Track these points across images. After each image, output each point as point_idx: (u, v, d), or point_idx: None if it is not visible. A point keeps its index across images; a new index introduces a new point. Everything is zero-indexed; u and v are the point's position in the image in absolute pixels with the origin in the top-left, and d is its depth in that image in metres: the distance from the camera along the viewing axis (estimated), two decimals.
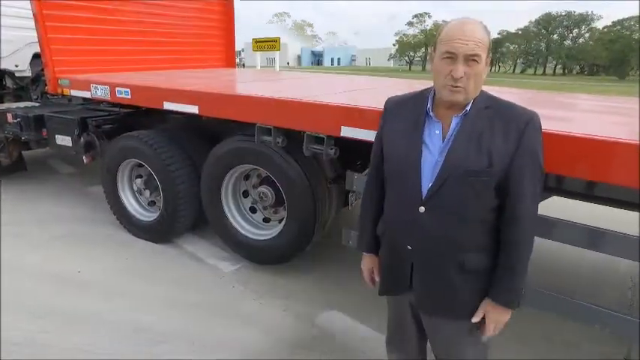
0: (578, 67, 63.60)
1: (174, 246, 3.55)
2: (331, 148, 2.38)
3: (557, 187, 2.12)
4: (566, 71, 63.84)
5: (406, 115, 1.37)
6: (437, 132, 1.29)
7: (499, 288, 1.33)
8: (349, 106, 2.26)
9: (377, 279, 1.63)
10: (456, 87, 1.20)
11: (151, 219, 3.57)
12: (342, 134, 2.26)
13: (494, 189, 1.25)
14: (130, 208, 3.69)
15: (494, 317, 1.35)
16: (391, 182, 1.42)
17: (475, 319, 1.36)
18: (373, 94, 3.18)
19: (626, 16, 54.29)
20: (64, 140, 4.11)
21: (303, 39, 69.09)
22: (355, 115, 2.21)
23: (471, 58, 1.18)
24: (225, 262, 3.30)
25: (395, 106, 1.45)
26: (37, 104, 4.97)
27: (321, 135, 2.37)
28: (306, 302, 2.81)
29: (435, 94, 1.32)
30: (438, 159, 1.27)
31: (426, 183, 1.29)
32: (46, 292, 2.86)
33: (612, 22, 55.96)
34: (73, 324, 2.54)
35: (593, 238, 1.76)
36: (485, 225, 1.30)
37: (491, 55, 1.27)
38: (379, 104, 2.27)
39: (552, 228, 1.79)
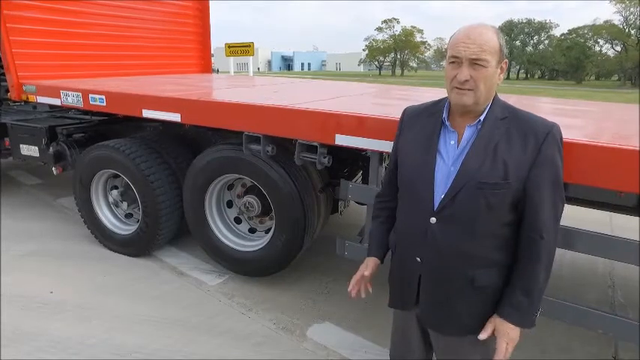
0: (539, 72, 66.72)
1: (155, 260, 3.39)
2: (324, 157, 2.33)
3: None
4: (528, 76, 66.82)
5: (422, 124, 1.34)
6: (452, 142, 1.27)
7: (515, 307, 1.26)
8: (344, 114, 2.21)
9: (367, 288, 1.53)
10: (463, 89, 1.19)
11: (129, 232, 3.40)
12: (336, 142, 2.21)
13: (509, 203, 1.21)
14: (105, 221, 3.49)
15: (507, 336, 1.27)
16: (404, 192, 1.39)
17: (483, 336, 1.30)
18: (363, 100, 3.16)
19: (581, 25, 57.59)
20: (29, 150, 3.88)
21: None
22: (350, 123, 2.16)
23: (475, 62, 1.16)
24: (209, 275, 3.17)
25: (412, 115, 1.42)
26: None
27: (313, 143, 2.32)
28: (297, 314, 2.74)
29: (450, 103, 1.29)
30: (452, 169, 1.25)
31: (439, 193, 1.26)
32: (15, 315, 2.64)
33: (568, 30, 59.19)
34: (47, 350, 2.35)
35: (568, 238, 1.81)
36: (498, 240, 1.26)
37: (506, 60, 1.23)
38: (372, 111, 2.28)
39: None
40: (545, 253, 1.23)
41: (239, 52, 11.10)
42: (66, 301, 2.81)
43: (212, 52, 6.21)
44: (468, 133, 1.25)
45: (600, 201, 2.48)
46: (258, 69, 73.04)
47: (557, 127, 1.23)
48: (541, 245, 1.22)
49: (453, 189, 1.23)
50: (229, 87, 4.26)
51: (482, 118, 1.23)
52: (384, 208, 1.53)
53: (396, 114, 1.95)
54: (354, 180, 2.97)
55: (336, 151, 2.40)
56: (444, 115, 1.29)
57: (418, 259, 1.34)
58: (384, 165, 2.22)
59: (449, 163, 1.25)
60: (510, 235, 1.26)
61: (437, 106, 1.35)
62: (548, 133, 1.20)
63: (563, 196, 1.25)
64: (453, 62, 1.20)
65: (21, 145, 3.90)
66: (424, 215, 1.28)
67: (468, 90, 1.18)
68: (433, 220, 1.26)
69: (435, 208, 1.26)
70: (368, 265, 1.52)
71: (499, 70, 1.22)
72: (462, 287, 1.29)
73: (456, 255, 1.27)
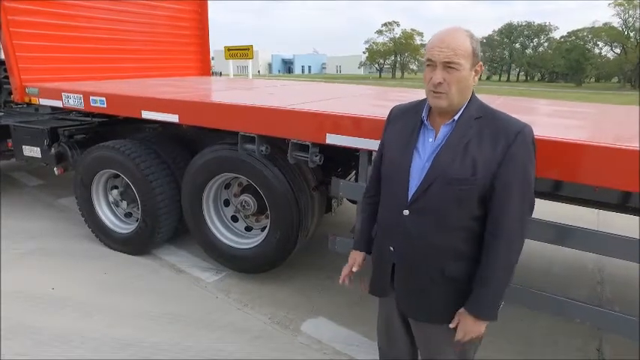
0: (539, 74, 66.84)
1: (154, 258, 3.46)
2: (316, 155, 2.41)
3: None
4: (528, 78, 66.93)
5: (405, 122, 1.42)
6: (429, 139, 1.34)
7: (473, 298, 1.32)
8: (334, 114, 2.30)
9: (352, 278, 1.67)
10: (437, 92, 1.25)
11: (129, 231, 3.47)
12: (327, 141, 2.29)
13: (477, 198, 1.27)
14: (105, 221, 3.57)
15: (464, 326, 1.34)
16: (384, 186, 1.48)
17: (451, 326, 1.38)
18: (355, 101, 3.25)
19: (580, 27, 57.78)
20: (32, 151, 3.96)
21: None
22: (340, 123, 2.25)
23: (448, 65, 1.22)
24: (207, 273, 3.25)
25: (397, 114, 1.49)
26: (0, 113, 4.75)
27: (306, 142, 2.40)
28: (291, 309, 2.81)
29: None
30: (426, 164, 1.32)
31: (413, 187, 1.33)
32: (18, 311, 2.72)
33: (567, 33, 59.40)
34: (49, 343, 2.42)
35: (563, 234, 1.88)
36: (468, 233, 1.32)
37: (481, 62, 1.30)
38: (363, 112, 2.36)
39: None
40: (505, 250, 1.28)
41: (238, 55, 11.18)
42: (67, 298, 2.88)
43: (213, 55, 6.28)
44: (443, 131, 1.32)
45: (592, 199, 2.55)
46: (259, 72, 73.24)
47: (528, 127, 1.27)
48: (502, 242, 1.27)
49: (424, 182, 1.30)
50: (226, 89, 4.35)
51: (456, 117, 1.30)
52: (371, 204, 1.60)
53: (384, 114, 2.03)
54: (347, 178, 3.04)
55: (330, 151, 2.48)
56: (424, 114, 1.36)
57: (391, 248, 1.42)
58: None
59: (424, 159, 1.33)
60: (480, 230, 1.32)
61: (420, 105, 1.42)
62: (518, 132, 1.24)
63: (532, 196, 1.29)
64: (429, 65, 1.27)
65: (23, 147, 3.98)
66: (398, 207, 1.36)
67: (442, 93, 1.25)
68: (406, 212, 1.34)
69: (408, 201, 1.34)
70: (356, 260, 1.63)
71: (474, 73, 1.28)
72: (432, 277, 1.36)
73: (426, 246, 1.34)
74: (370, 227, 1.61)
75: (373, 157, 2.11)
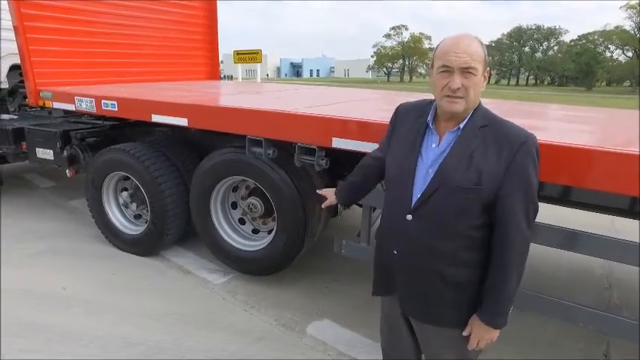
0: (549, 78, 66.28)
1: (162, 259, 3.51)
2: (322, 159, 2.44)
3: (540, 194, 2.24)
4: (537, 82, 66.39)
5: (411, 124, 1.43)
6: (433, 145, 1.35)
7: (485, 307, 1.34)
8: (341, 118, 2.32)
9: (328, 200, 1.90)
10: (455, 97, 1.25)
11: (138, 232, 3.53)
12: (333, 145, 2.32)
13: (481, 207, 1.28)
14: (115, 222, 3.63)
15: (478, 333, 1.37)
16: (388, 188, 1.50)
17: (465, 333, 1.40)
18: (361, 105, 3.27)
19: (590, 31, 57.27)
20: (45, 153, 4.04)
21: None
22: (346, 127, 2.28)
23: (466, 71, 1.23)
24: (214, 274, 3.29)
25: (404, 113, 1.50)
26: (15, 117, 4.86)
27: (312, 146, 2.43)
28: (297, 311, 2.83)
29: (437, 107, 1.36)
30: (430, 170, 1.33)
31: (417, 193, 1.35)
32: (29, 309, 2.78)
33: (578, 36, 58.89)
34: (56, 341, 2.47)
35: (571, 239, 1.88)
36: (469, 240, 1.32)
37: (489, 68, 1.31)
38: (368, 116, 2.38)
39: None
40: (512, 259, 1.29)
41: (247, 59, 11.28)
42: (76, 297, 2.94)
43: (222, 59, 6.33)
44: (447, 138, 1.32)
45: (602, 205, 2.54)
46: (267, 75, 73.68)
47: (532, 138, 1.27)
48: (508, 252, 1.28)
49: (429, 189, 1.31)
50: (234, 93, 4.40)
51: (461, 125, 1.30)
52: (360, 167, 1.76)
53: (389, 118, 2.04)
54: None
55: (337, 154, 2.50)
56: (429, 117, 1.37)
57: (395, 251, 1.43)
58: None
59: (427, 164, 1.34)
60: (483, 237, 1.32)
61: (426, 107, 1.42)
62: (522, 144, 1.24)
63: (537, 204, 1.30)
64: (443, 71, 1.26)
65: (37, 149, 4.07)
66: (402, 211, 1.37)
67: (459, 98, 1.25)
68: (409, 217, 1.36)
69: (412, 206, 1.35)
70: (327, 196, 1.89)
71: (483, 78, 1.29)
72: (433, 281, 1.38)
73: (427, 251, 1.35)
74: (349, 184, 1.80)
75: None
